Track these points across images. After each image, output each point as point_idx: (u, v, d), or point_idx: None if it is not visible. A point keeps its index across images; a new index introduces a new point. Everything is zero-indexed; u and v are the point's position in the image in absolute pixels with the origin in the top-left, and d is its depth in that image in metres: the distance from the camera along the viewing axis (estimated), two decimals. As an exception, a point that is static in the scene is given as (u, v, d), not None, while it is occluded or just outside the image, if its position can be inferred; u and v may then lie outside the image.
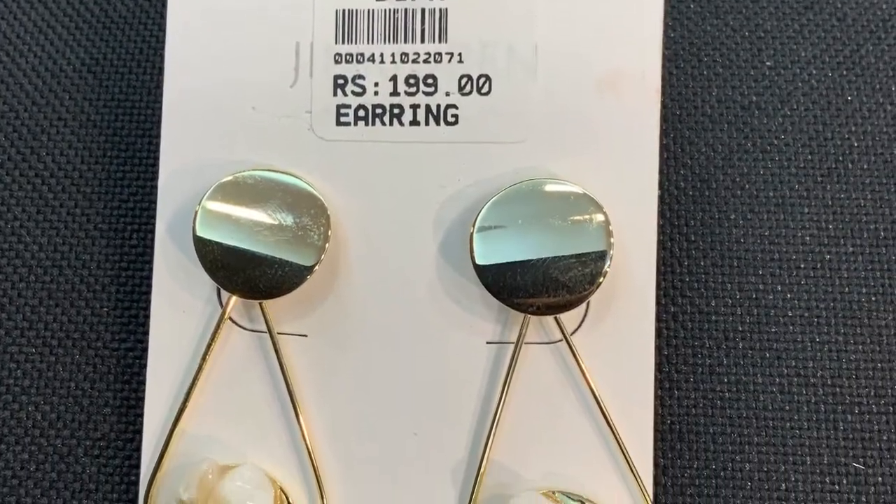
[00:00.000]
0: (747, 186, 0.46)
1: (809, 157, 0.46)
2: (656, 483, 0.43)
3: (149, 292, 0.44)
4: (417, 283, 0.43)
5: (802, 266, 0.45)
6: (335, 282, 0.44)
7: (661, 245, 0.45)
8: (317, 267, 0.42)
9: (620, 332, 0.43)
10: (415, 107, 0.44)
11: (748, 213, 0.46)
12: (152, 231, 0.45)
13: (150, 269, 0.44)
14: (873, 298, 0.45)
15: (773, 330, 0.44)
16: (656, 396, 0.43)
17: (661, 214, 0.45)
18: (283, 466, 0.43)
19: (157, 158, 0.44)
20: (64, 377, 0.45)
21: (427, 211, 0.43)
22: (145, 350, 0.44)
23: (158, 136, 0.44)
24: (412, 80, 0.44)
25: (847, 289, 0.45)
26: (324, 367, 0.43)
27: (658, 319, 0.44)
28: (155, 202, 0.44)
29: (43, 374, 0.45)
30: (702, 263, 0.45)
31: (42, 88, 0.48)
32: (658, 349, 0.44)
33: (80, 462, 0.45)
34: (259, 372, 0.43)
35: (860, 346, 0.44)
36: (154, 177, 0.46)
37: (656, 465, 0.43)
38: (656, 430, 0.43)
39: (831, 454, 0.44)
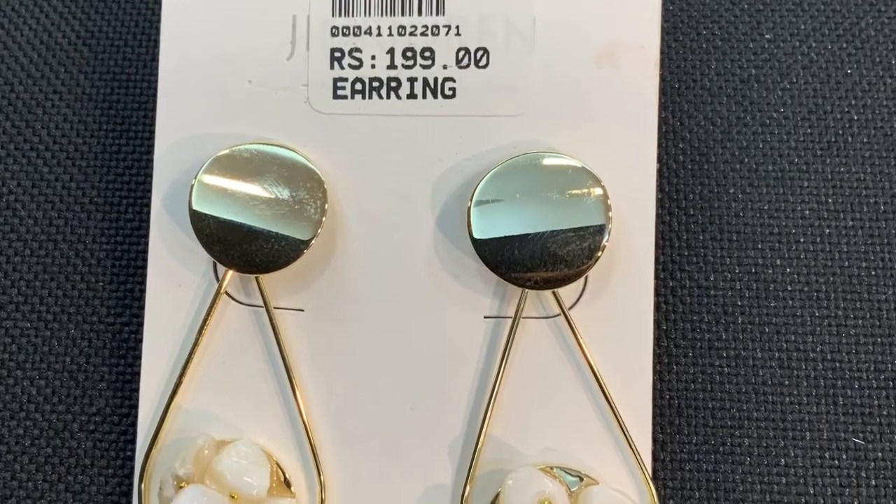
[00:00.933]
0: (746, 160, 0.46)
1: (809, 130, 0.46)
2: (654, 458, 0.43)
3: (144, 266, 0.44)
4: (415, 258, 0.43)
5: (802, 240, 0.45)
6: (332, 256, 0.43)
7: (660, 219, 0.45)
8: (314, 241, 0.42)
9: (619, 306, 0.43)
10: (412, 80, 0.43)
11: (747, 187, 0.45)
12: (148, 205, 0.45)
13: (146, 244, 0.44)
14: (873, 273, 0.45)
15: (772, 304, 0.44)
16: (655, 371, 0.43)
17: (660, 188, 0.45)
18: (279, 441, 0.43)
19: (152, 132, 0.44)
20: (59, 351, 0.45)
21: (424, 184, 0.43)
22: (141, 325, 0.44)
23: (154, 109, 0.44)
24: (409, 53, 0.44)
25: (847, 263, 0.45)
26: (320, 342, 0.43)
27: (657, 294, 0.44)
28: (151, 176, 0.44)
29: (38, 348, 0.45)
30: (701, 238, 0.45)
31: (37, 61, 0.48)
32: (657, 323, 0.44)
33: (76, 437, 0.45)
34: (255, 347, 0.43)
35: (860, 321, 0.44)
36: (150, 150, 0.46)
37: (655, 440, 0.43)
38: (655, 406, 0.43)
39: (831, 429, 0.43)
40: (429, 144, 0.43)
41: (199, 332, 0.43)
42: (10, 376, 0.45)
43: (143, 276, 0.45)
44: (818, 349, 0.44)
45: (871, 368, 0.44)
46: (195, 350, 0.42)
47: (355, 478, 0.43)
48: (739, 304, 0.44)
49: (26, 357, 0.45)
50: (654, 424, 0.43)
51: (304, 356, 0.43)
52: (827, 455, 0.43)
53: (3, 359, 0.45)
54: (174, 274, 0.43)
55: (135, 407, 0.44)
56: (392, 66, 0.43)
